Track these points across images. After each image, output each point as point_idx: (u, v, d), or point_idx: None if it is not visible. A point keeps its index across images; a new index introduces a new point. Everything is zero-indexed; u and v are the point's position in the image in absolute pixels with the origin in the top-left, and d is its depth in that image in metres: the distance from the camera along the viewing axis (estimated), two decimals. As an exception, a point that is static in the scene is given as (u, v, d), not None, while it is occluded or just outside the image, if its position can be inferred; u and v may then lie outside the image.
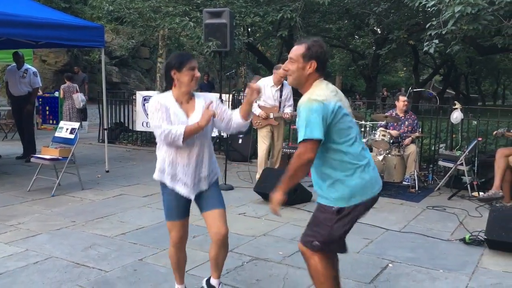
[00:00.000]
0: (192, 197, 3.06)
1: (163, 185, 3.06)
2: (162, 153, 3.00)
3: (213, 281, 3.24)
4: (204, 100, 3.05)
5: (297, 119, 2.58)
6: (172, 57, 2.97)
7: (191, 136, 2.87)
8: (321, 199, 2.71)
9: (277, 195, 2.68)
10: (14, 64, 8.44)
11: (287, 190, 2.68)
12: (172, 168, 2.97)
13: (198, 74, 2.95)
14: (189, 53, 3.07)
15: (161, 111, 2.88)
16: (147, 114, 10.06)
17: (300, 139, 2.50)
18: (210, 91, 14.51)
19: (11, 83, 8.38)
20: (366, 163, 2.63)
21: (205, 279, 3.31)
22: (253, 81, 3.17)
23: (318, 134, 2.45)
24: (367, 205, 2.67)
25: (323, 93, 2.52)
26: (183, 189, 3.01)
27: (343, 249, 2.83)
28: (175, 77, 2.90)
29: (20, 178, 6.84)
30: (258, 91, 3.01)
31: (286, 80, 6.93)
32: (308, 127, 2.45)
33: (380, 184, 2.72)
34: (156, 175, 3.08)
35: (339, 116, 2.53)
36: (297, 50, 2.61)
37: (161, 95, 2.96)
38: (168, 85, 2.98)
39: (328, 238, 2.65)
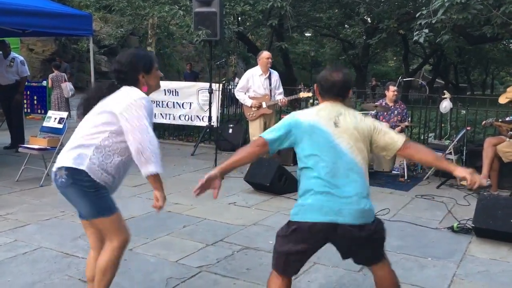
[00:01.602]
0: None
1: (96, 183, 2.57)
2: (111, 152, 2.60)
3: None
4: None
5: None
6: (138, 59, 2.66)
7: (156, 184, 2.78)
8: None
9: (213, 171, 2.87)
10: (0, 52, 8.30)
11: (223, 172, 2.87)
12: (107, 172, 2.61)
13: (160, 73, 2.82)
14: (149, 51, 2.94)
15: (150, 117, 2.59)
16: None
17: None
18: (194, 81, 14.48)
19: None
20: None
21: None
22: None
23: (269, 136, 2.64)
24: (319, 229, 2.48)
25: (306, 112, 2.67)
26: (114, 191, 2.80)
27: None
28: (143, 80, 2.66)
29: (8, 168, 6.77)
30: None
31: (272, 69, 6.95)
32: (272, 130, 2.68)
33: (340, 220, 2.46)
34: (96, 176, 2.57)
35: (302, 135, 2.58)
36: None
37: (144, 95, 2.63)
38: (129, 84, 2.65)
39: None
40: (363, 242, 2.51)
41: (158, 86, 2.80)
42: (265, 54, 6.79)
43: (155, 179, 2.65)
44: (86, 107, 2.68)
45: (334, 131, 2.53)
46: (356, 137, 2.55)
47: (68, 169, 2.54)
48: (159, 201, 2.68)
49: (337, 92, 2.64)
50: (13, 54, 8.40)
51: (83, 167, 2.52)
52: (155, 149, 2.58)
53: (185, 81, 14.79)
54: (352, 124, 2.57)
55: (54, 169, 2.64)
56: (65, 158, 2.58)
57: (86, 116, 2.66)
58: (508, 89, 6.16)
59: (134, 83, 2.65)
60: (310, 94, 7.31)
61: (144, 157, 2.53)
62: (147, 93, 2.68)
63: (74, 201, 2.65)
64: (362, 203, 2.46)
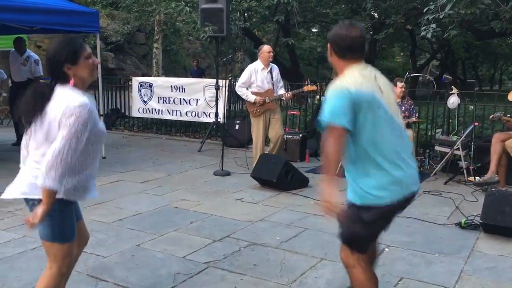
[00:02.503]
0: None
1: (63, 203, 2.39)
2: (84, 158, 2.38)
3: None
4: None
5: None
6: (60, 48, 2.32)
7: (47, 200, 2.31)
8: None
9: (329, 195, 2.36)
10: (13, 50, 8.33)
11: (329, 180, 2.41)
12: (77, 177, 2.41)
13: (97, 61, 2.45)
14: (77, 37, 2.48)
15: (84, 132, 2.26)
16: (144, 101, 10.08)
17: (323, 122, 2.34)
18: (200, 77, 14.48)
19: (13, 68, 8.27)
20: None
21: None
22: None
23: (341, 120, 2.28)
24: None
25: (352, 80, 2.34)
26: (95, 192, 2.60)
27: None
28: (71, 73, 2.32)
29: (16, 165, 6.79)
30: None
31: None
32: (331, 111, 2.30)
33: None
34: (66, 196, 2.37)
35: (365, 107, 2.31)
36: None
37: (78, 95, 2.31)
38: (58, 80, 2.35)
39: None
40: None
41: (92, 77, 2.41)
42: (266, 48, 6.70)
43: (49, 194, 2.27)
44: (26, 118, 2.36)
45: (385, 100, 2.39)
46: (393, 98, 2.51)
47: (40, 201, 2.32)
48: (34, 217, 2.32)
49: (362, 50, 2.46)
50: (29, 52, 8.39)
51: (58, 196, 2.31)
52: (63, 165, 2.23)
53: (192, 77, 14.82)
54: (387, 85, 2.50)
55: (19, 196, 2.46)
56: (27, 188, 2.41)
57: (33, 130, 2.37)
58: None
59: (62, 78, 2.33)
60: (314, 88, 7.25)
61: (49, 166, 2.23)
62: (78, 87, 2.35)
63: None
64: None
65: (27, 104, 2.34)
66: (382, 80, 2.48)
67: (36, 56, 8.50)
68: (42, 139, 2.34)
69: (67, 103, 2.24)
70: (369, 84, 2.36)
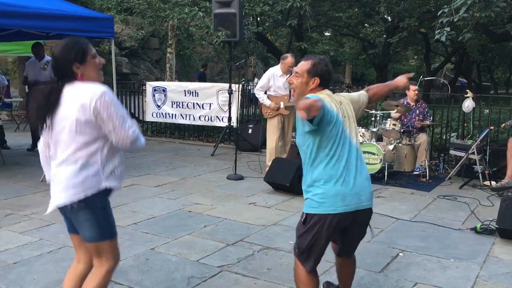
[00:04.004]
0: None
1: (101, 194, 2.41)
2: (97, 153, 2.38)
3: None
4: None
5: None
6: (67, 48, 2.35)
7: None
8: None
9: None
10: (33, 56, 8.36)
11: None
12: (112, 163, 2.46)
13: (102, 60, 2.47)
14: (82, 37, 2.50)
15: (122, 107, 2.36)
16: (158, 105, 10.15)
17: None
18: (200, 80, 14.64)
19: (31, 74, 8.17)
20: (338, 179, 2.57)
21: None
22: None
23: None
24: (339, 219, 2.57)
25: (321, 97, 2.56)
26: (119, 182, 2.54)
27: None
28: (79, 71, 2.35)
29: (32, 169, 6.91)
30: None
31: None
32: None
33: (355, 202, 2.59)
34: (108, 185, 2.41)
35: (328, 119, 2.50)
36: (303, 65, 2.68)
37: (99, 85, 2.36)
38: (66, 80, 2.35)
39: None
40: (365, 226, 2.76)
41: (98, 76, 2.43)
42: (289, 61, 6.68)
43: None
44: (39, 120, 2.39)
45: (344, 121, 2.62)
46: (354, 119, 2.71)
47: (81, 201, 2.35)
48: None
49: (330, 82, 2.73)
50: (47, 57, 8.46)
51: (99, 189, 2.37)
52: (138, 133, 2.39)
53: (198, 80, 14.97)
54: (351, 110, 2.73)
55: (57, 204, 2.41)
56: (70, 192, 2.35)
57: (54, 132, 2.38)
58: None
59: (70, 77, 2.35)
60: None
61: (134, 146, 2.39)
62: None
63: (78, 225, 2.45)
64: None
65: (38, 107, 2.37)
66: (347, 105, 2.73)
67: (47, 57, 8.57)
68: (69, 137, 2.33)
69: (90, 96, 2.27)
70: (334, 103, 2.62)
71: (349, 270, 2.99)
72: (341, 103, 2.68)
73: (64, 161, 2.36)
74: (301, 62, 2.73)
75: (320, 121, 2.44)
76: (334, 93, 2.79)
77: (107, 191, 2.42)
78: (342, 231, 2.71)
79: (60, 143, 2.37)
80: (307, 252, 2.67)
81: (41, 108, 2.37)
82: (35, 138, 8.31)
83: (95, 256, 2.48)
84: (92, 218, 2.38)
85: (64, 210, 2.43)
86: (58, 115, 2.34)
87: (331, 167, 2.53)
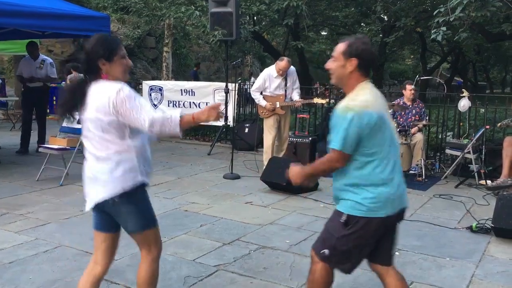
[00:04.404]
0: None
1: (139, 188, 2.47)
2: (130, 149, 2.42)
3: None
4: None
5: (332, 120, 2.45)
6: (97, 43, 2.39)
7: (186, 127, 2.47)
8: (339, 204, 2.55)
9: (298, 173, 2.65)
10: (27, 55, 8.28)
11: (306, 178, 2.64)
12: (144, 158, 2.50)
13: (130, 62, 2.51)
14: (116, 36, 2.48)
15: (140, 97, 2.40)
16: (154, 105, 10.14)
17: (333, 146, 2.38)
18: (193, 79, 14.64)
19: (26, 73, 8.05)
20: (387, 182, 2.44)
21: None
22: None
23: (349, 149, 2.35)
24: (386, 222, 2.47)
25: (364, 99, 2.37)
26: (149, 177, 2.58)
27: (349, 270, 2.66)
28: (104, 68, 2.39)
29: (29, 168, 6.89)
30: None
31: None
32: (344, 139, 2.33)
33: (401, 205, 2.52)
34: (136, 179, 2.44)
35: (375, 128, 2.36)
36: (339, 47, 2.48)
37: (117, 83, 2.40)
38: (91, 75, 2.42)
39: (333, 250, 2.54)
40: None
41: (124, 77, 2.46)
42: (281, 64, 6.66)
43: (185, 124, 2.43)
44: (68, 114, 2.49)
45: (389, 119, 2.47)
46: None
47: (122, 195, 2.41)
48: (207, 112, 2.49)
49: (370, 70, 2.47)
50: (42, 56, 8.40)
51: (136, 183, 2.43)
52: (165, 119, 2.36)
53: (193, 80, 14.98)
54: (385, 103, 2.53)
55: (97, 200, 2.47)
56: (109, 187, 2.41)
57: (85, 128, 2.45)
58: None
59: (95, 72, 2.40)
60: (324, 101, 7.35)
61: (156, 128, 2.34)
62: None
63: (121, 218, 2.51)
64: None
65: (64, 103, 2.45)
66: (382, 97, 2.54)
67: (50, 59, 8.52)
68: (98, 136, 2.40)
69: (107, 96, 2.32)
70: (379, 103, 2.43)
71: (400, 282, 2.66)
72: (382, 97, 2.53)
73: (99, 158, 2.42)
74: (337, 45, 2.52)
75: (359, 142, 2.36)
76: (330, 93, 2.75)
77: (144, 185, 2.49)
78: (382, 235, 2.55)
79: (91, 140, 2.44)
80: (346, 255, 2.52)
81: (66, 103, 2.46)
82: (25, 141, 8.19)
83: (142, 247, 2.58)
84: (136, 210, 2.46)
85: (103, 205, 2.46)
86: (86, 112, 2.40)
87: (381, 171, 2.40)
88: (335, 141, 2.37)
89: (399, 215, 2.54)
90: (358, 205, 2.42)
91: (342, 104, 2.39)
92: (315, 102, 7.05)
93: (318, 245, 2.60)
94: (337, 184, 2.52)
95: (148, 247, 2.56)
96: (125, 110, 2.32)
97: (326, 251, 2.53)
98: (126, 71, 2.47)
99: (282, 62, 6.69)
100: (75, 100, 2.42)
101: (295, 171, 2.63)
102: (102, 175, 2.41)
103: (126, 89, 2.34)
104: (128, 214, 2.46)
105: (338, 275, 3.56)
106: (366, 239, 2.48)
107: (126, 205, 2.43)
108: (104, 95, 2.34)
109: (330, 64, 2.52)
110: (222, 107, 2.12)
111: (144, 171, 2.47)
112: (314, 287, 2.65)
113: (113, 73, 2.42)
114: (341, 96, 10.40)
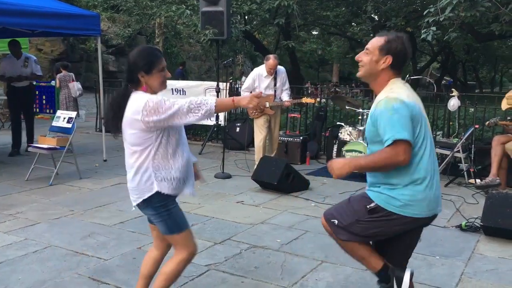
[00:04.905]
0: (195, 193, 2.81)
1: (164, 198, 2.60)
2: (167, 160, 2.56)
3: None
4: None
5: (370, 119, 2.39)
6: (139, 56, 2.54)
7: (222, 109, 2.56)
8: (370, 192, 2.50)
9: (345, 166, 2.38)
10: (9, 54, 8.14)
11: (354, 170, 2.41)
12: (184, 172, 2.63)
13: (168, 74, 2.62)
14: (156, 48, 2.69)
15: (168, 99, 2.48)
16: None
17: (395, 137, 2.23)
18: (179, 78, 14.61)
19: (10, 72, 7.87)
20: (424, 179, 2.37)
21: None
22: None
23: (407, 135, 2.23)
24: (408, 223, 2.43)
25: (403, 92, 2.32)
26: (191, 188, 2.74)
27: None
28: (143, 80, 2.53)
29: (18, 168, 6.84)
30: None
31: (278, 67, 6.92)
32: (404, 127, 2.23)
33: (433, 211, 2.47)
34: (158, 188, 2.55)
35: (418, 119, 2.31)
36: (376, 41, 2.39)
37: (146, 94, 2.52)
38: (132, 85, 2.57)
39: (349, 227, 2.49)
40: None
41: (162, 88, 2.59)
42: (270, 63, 6.64)
43: (221, 106, 2.53)
44: (112, 122, 2.61)
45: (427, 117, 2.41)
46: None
47: (142, 202, 2.61)
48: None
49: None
50: (25, 54, 8.25)
51: (152, 192, 2.56)
52: (202, 102, 2.46)
53: (179, 77, 14.95)
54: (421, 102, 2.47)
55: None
56: (135, 195, 2.62)
57: (123, 137, 2.62)
58: (506, 95, 6.13)
59: (135, 83, 2.55)
60: (313, 101, 7.38)
61: (202, 111, 2.45)
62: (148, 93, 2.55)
63: (151, 219, 2.76)
64: None
65: (112, 110, 2.59)
66: (418, 96, 2.47)
67: (33, 56, 8.38)
68: (127, 145, 2.61)
69: (136, 109, 2.46)
70: (414, 96, 2.37)
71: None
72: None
73: (127, 165, 2.63)
74: (373, 38, 2.44)
75: None
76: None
77: (165, 195, 2.57)
78: (403, 234, 2.51)
79: (125, 148, 2.63)
80: (361, 237, 2.49)
81: (109, 111, 2.62)
82: (17, 142, 8.05)
83: (174, 246, 2.76)
84: (157, 215, 2.62)
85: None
86: (123, 122, 2.55)
87: (418, 170, 2.33)
88: (395, 132, 2.22)
89: (430, 219, 2.47)
90: (392, 200, 2.35)
91: (382, 99, 2.30)
92: (304, 102, 7.07)
93: (331, 213, 2.57)
94: (372, 179, 2.48)
95: (177, 248, 2.72)
96: (159, 115, 2.43)
97: (336, 221, 2.51)
98: (164, 82, 2.59)
99: (270, 61, 6.70)
100: (115, 110, 2.56)
101: (340, 163, 2.40)
102: (128, 183, 2.64)
103: (153, 98, 2.46)
104: (152, 217, 2.68)
105: (328, 275, 3.58)
106: (386, 233, 2.44)
107: (147, 211, 2.66)
108: (134, 110, 2.46)
109: (362, 56, 2.43)
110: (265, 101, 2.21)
111: (164, 182, 2.55)
112: (357, 254, 2.61)
113: (151, 84, 2.54)
114: (331, 96, 10.44)
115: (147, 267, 2.90)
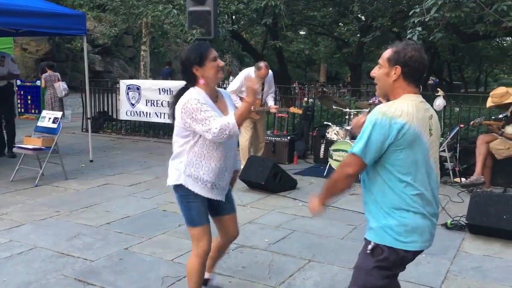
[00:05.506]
0: (224, 199, 2.85)
1: (187, 190, 2.70)
2: (199, 159, 2.67)
3: (207, 275, 3.13)
4: (227, 96, 2.88)
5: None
6: (189, 52, 2.67)
7: (244, 119, 2.62)
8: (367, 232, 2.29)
9: (314, 201, 2.30)
10: None
11: (326, 200, 2.30)
12: (213, 177, 2.70)
13: (221, 63, 2.71)
14: (205, 42, 2.76)
15: (206, 110, 2.56)
16: (132, 104, 10.03)
17: (352, 149, 2.14)
18: (167, 77, 14.59)
19: None
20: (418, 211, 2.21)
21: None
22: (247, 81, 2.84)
23: (368, 157, 2.10)
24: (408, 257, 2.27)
25: (400, 108, 2.09)
26: (219, 195, 2.78)
27: None
28: (198, 73, 2.64)
29: (2, 168, 6.76)
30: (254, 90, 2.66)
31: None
32: (362, 141, 2.10)
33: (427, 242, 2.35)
34: (183, 181, 2.68)
35: (406, 143, 2.08)
36: (385, 53, 2.23)
37: (193, 93, 2.62)
38: (190, 83, 2.70)
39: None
40: None
41: (218, 77, 2.69)
42: (262, 73, 6.55)
43: (241, 118, 2.58)
44: (170, 110, 2.76)
45: (429, 143, 2.17)
46: (438, 144, 2.28)
47: (173, 187, 2.77)
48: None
49: (421, 80, 2.20)
50: (1, 52, 8.01)
51: (178, 182, 2.71)
52: (223, 125, 2.53)
53: (162, 78, 14.91)
54: (438, 129, 2.27)
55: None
56: (169, 176, 2.77)
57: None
58: (491, 93, 6.21)
59: (191, 78, 2.68)
60: (299, 111, 7.40)
61: (226, 134, 2.54)
62: (206, 86, 2.66)
63: None
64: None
65: (174, 97, 2.74)
66: (435, 121, 2.26)
67: (11, 55, 8.18)
68: (173, 136, 2.76)
69: (180, 105, 2.61)
70: (418, 119, 2.12)
71: None
72: (432, 117, 2.23)
73: (174, 153, 2.77)
74: (385, 50, 2.28)
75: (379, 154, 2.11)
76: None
77: (188, 189, 2.68)
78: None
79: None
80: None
81: (172, 98, 2.74)
82: (1, 144, 7.87)
83: (191, 240, 2.83)
84: (178, 203, 2.77)
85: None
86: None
87: (413, 195, 2.16)
88: (355, 144, 2.14)
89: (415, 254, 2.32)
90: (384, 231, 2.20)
91: (375, 108, 2.17)
92: (291, 111, 7.09)
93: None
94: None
95: (192, 243, 2.80)
96: (192, 120, 2.56)
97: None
98: (218, 71, 2.67)
99: (261, 71, 6.55)
100: (173, 105, 2.72)
101: (313, 203, 2.31)
102: (171, 168, 2.77)
103: (193, 102, 2.56)
104: (177, 202, 2.79)
105: (316, 274, 3.60)
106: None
107: (175, 194, 2.77)
108: (180, 103, 2.62)
109: (375, 71, 2.29)
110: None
111: (190, 179, 2.68)
112: None
113: (207, 75, 2.64)
114: (319, 95, 10.45)
115: (212, 251, 2.99)
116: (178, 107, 2.63)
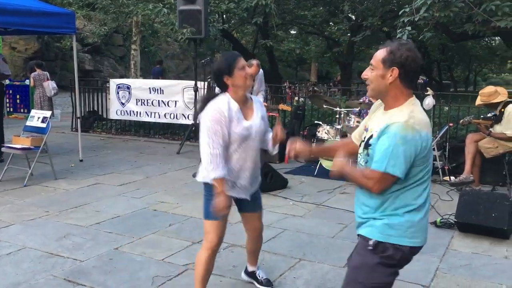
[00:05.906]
0: (249, 198, 3.06)
1: (211, 187, 2.84)
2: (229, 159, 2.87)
3: (252, 268, 3.40)
4: (258, 103, 3.00)
5: (377, 137, 2.12)
6: (219, 63, 2.88)
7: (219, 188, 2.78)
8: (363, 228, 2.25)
9: (342, 164, 2.21)
10: None
11: (345, 176, 2.24)
12: (232, 176, 2.90)
13: (250, 70, 2.90)
14: (234, 52, 3.01)
15: (216, 132, 2.73)
16: (122, 103, 9.98)
17: (379, 167, 2.04)
18: (158, 76, 14.58)
19: None
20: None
21: (243, 271, 3.45)
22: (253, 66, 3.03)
23: (400, 172, 2.03)
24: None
25: (421, 118, 2.08)
26: (241, 193, 3.01)
27: None
28: (229, 82, 2.82)
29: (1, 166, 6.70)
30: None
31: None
32: (393, 159, 2.01)
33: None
34: (208, 176, 2.83)
35: (428, 151, 2.09)
36: (378, 54, 2.15)
37: (221, 101, 2.79)
38: (222, 90, 2.90)
39: None
40: None
41: (245, 85, 2.84)
42: (252, 71, 6.50)
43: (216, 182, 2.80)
44: (197, 112, 2.94)
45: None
46: None
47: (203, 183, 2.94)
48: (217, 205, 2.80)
49: (416, 78, 2.19)
50: None
51: (205, 180, 2.87)
52: (212, 158, 2.75)
53: (153, 76, 14.89)
54: None
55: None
56: (199, 173, 2.94)
57: None
58: (480, 92, 6.26)
59: (223, 87, 2.86)
60: (289, 108, 7.39)
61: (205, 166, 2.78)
62: (234, 94, 2.83)
63: None
64: None
65: (202, 102, 2.88)
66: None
67: (2, 55, 8.11)
68: None
69: (208, 107, 2.78)
70: (429, 124, 2.14)
71: None
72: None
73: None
74: (377, 51, 2.19)
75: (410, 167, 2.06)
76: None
77: (211, 185, 2.84)
78: None
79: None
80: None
81: (200, 103, 2.91)
82: None
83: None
84: (203, 198, 2.94)
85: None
86: None
87: (419, 195, 2.16)
88: (391, 165, 2.03)
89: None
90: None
91: (400, 122, 2.04)
92: (281, 108, 7.10)
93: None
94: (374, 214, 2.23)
95: (204, 235, 2.96)
96: (204, 128, 2.77)
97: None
98: (247, 79, 2.83)
99: (252, 68, 6.57)
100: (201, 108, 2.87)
101: (340, 164, 2.23)
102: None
103: (206, 118, 2.75)
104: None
105: (306, 272, 3.60)
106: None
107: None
108: (207, 108, 2.80)
109: (367, 73, 2.21)
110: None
111: (227, 184, 2.85)
112: None
113: (236, 84, 2.81)
114: (309, 95, 10.46)
115: (246, 245, 3.34)
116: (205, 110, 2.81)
